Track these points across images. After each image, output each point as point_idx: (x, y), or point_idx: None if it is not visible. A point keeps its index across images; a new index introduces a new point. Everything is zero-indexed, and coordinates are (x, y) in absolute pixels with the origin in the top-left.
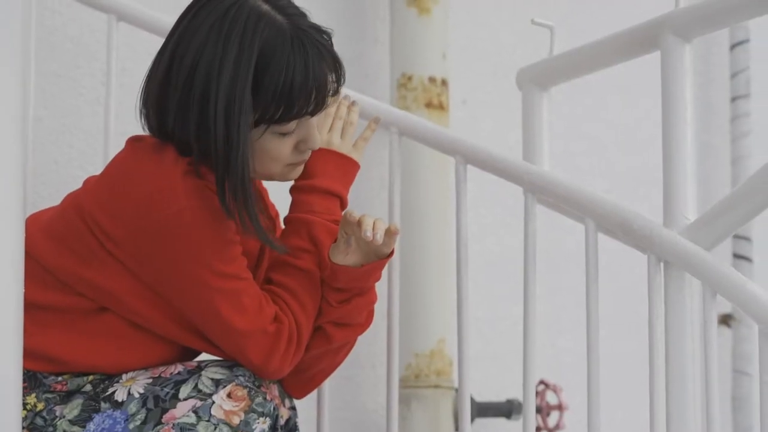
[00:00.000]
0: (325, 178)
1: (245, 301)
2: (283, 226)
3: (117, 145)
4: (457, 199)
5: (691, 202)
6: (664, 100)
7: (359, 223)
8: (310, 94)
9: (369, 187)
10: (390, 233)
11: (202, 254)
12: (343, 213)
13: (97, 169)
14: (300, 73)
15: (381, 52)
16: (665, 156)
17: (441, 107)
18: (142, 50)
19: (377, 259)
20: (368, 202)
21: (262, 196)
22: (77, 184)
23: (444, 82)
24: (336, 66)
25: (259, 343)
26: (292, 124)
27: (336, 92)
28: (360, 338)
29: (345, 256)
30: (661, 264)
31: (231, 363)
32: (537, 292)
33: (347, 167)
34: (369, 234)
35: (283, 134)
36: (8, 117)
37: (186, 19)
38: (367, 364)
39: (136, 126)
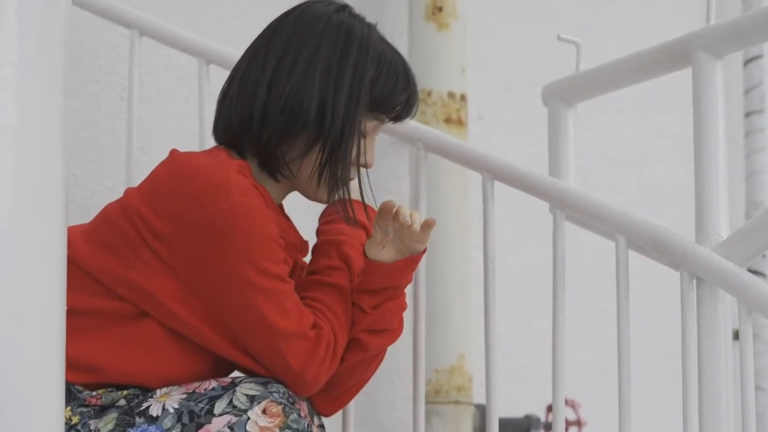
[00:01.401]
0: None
1: (288, 304)
2: (310, 256)
3: (137, 160)
4: (485, 215)
5: (723, 219)
6: (696, 117)
7: (397, 213)
8: (408, 97)
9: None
10: (427, 225)
11: (251, 251)
12: (381, 203)
13: (116, 184)
14: (403, 77)
15: None
16: (697, 173)
17: (460, 122)
18: (160, 65)
19: (410, 255)
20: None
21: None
22: (96, 199)
23: (463, 98)
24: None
25: (300, 348)
26: (375, 124)
27: (413, 114)
28: None
29: (380, 250)
30: (694, 281)
31: (265, 379)
32: (565, 309)
33: (372, 211)
34: (408, 219)
35: (364, 135)
36: (54, 127)
37: (288, 21)
38: (385, 380)
39: (156, 140)
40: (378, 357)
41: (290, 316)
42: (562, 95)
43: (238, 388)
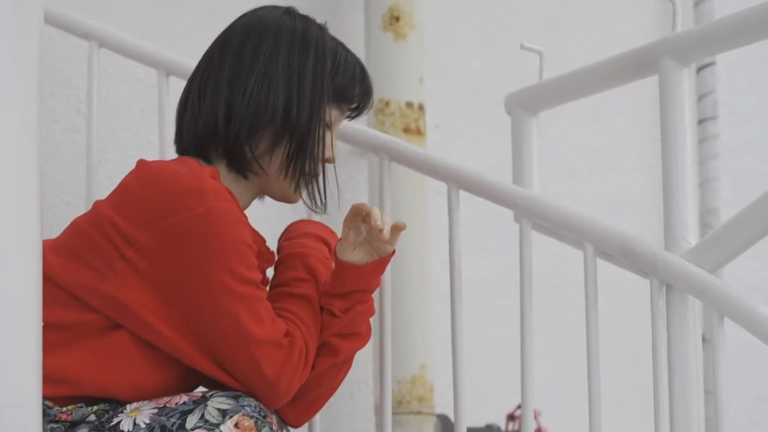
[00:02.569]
0: (312, 226)
1: (262, 312)
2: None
3: (95, 173)
4: (450, 224)
5: (692, 226)
6: (663, 125)
7: (368, 215)
8: (366, 87)
9: (343, 211)
10: (396, 228)
11: (227, 256)
12: (351, 205)
13: (74, 198)
14: (359, 68)
15: None
16: (665, 180)
17: (418, 132)
18: (116, 77)
19: (379, 257)
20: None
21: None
22: (54, 213)
23: (421, 107)
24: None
25: (274, 356)
26: (337, 114)
27: (371, 105)
28: None
29: (352, 251)
30: (663, 288)
31: (236, 393)
32: (533, 318)
33: (331, 232)
34: (379, 222)
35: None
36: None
37: (237, 26)
38: (345, 392)
39: (112, 153)
40: (347, 363)
41: (264, 323)
42: (526, 104)
43: (209, 402)
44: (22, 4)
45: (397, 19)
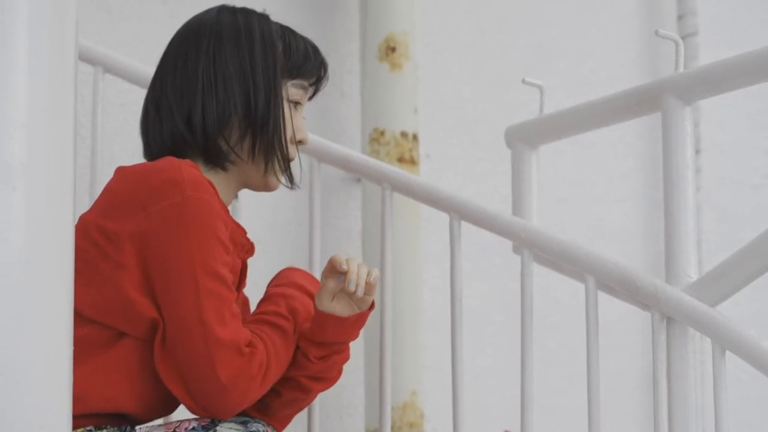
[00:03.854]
0: (300, 277)
1: (227, 314)
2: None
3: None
4: (452, 255)
5: (693, 261)
6: (666, 161)
7: (345, 272)
8: (321, 61)
9: (336, 238)
10: (369, 287)
11: (199, 248)
12: (330, 257)
13: (74, 219)
14: (310, 44)
15: (348, 105)
16: (667, 215)
17: (412, 161)
18: (116, 101)
19: (359, 310)
20: (335, 251)
21: (245, 273)
22: None
23: (415, 137)
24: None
25: (231, 360)
26: (299, 92)
27: (327, 78)
28: (328, 390)
29: (331, 301)
30: (664, 321)
31: (245, 419)
32: (533, 348)
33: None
34: (352, 287)
35: (294, 103)
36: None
37: (180, 33)
38: (334, 416)
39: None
40: (312, 399)
41: (227, 325)
42: (526, 137)
43: (218, 428)
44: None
45: (393, 49)
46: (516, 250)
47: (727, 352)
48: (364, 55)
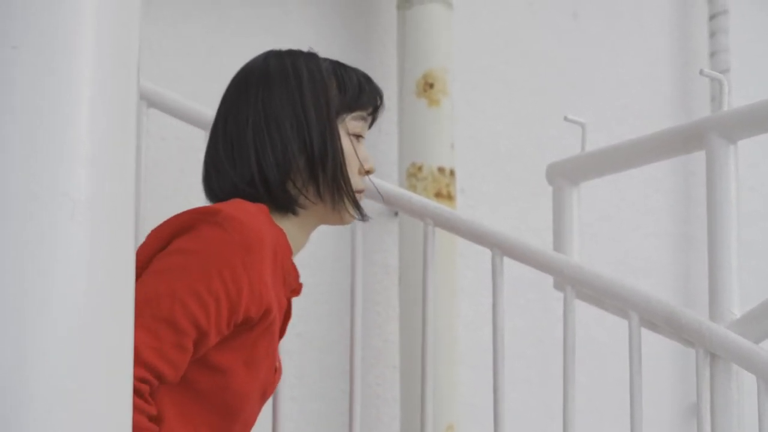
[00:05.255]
0: None
1: (173, 355)
2: None
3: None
4: (494, 291)
5: (736, 299)
6: (710, 199)
7: None
8: (375, 89)
9: (372, 273)
10: None
11: (202, 267)
12: None
13: None
14: (362, 74)
15: (386, 141)
16: (711, 253)
17: (449, 197)
18: (156, 134)
19: None
20: (371, 288)
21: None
22: None
23: (452, 172)
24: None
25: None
26: (360, 124)
27: (383, 105)
28: (367, 417)
29: None
30: (708, 357)
31: None
32: (576, 384)
33: None
34: None
35: (356, 136)
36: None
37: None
38: None
39: (152, 210)
40: None
41: (165, 364)
42: (568, 174)
43: None
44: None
45: (431, 85)
46: (558, 286)
47: None
48: (402, 90)
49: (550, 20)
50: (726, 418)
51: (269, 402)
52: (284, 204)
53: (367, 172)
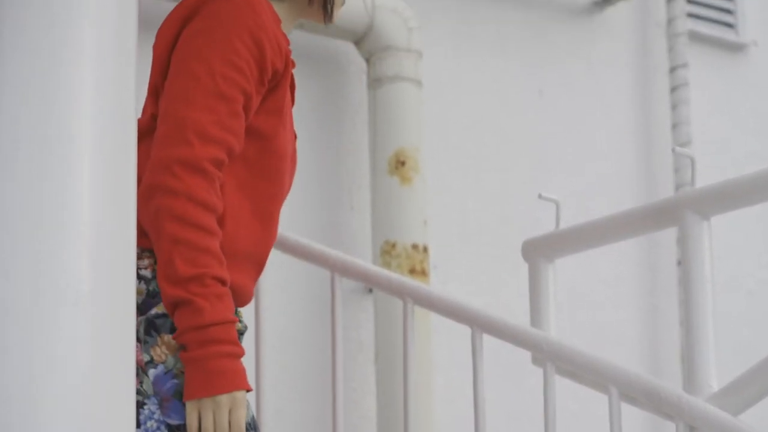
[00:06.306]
0: None
1: (230, 123)
2: None
3: None
4: (474, 368)
5: (713, 372)
6: (685, 275)
7: None
8: None
9: (348, 350)
10: None
11: (224, 38)
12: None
13: None
14: None
15: (359, 218)
16: (688, 327)
17: (423, 273)
18: None
19: None
20: (346, 364)
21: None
22: None
23: (425, 249)
24: None
25: (187, 171)
26: None
27: None
28: None
29: None
30: (688, 430)
31: None
32: None
33: None
34: None
35: None
36: (127, 294)
37: None
38: None
39: None
40: None
41: (200, 141)
42: (543, 251)
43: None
44: None
45: (403, 163)
46: (536, 361)
47: None
48: (374, 169)
49: (517, 97)
50: None
51: None
52: None
53: None
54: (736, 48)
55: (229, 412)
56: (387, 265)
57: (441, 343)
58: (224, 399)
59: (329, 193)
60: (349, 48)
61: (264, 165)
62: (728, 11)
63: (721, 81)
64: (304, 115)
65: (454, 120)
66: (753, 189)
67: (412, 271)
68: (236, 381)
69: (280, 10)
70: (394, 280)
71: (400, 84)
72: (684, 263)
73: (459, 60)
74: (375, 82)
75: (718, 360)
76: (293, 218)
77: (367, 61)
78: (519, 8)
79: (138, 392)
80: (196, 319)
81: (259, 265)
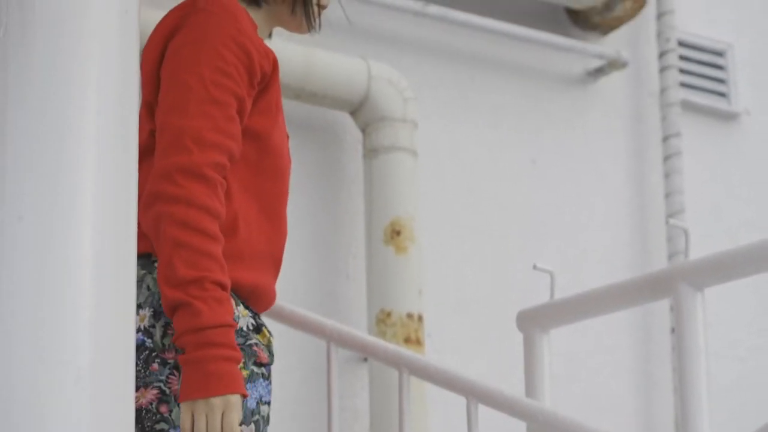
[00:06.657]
0: None
1: (208, 136)
2: None
3: None
4: None
5: None
6: (678, 345)
7: None
8: None
9: (342, 418)
10: None
11: (210, 48)
12: None
13: None
14: None
15: (354, 288)
16: (683, 402)
17: (418, 342)
18: None
19: None
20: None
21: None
22: None
23: (420, 318)
24: None
25: (189, 179)
26: None
27: None
28: None
29: None
30: None
31: None
32: None
33: None
34: None
35: None
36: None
37: None
38: None
39: None
40: None
41: (199, 147)
42: (538, 321)
43: None
44: None
45: (398, 233)
46: None
47: None
48: (370, 238)
49: (510, 167)
50: None
51: None
52: None
53: None
54: (729, 117)
55: (222, 414)
56: (382, 333)
57: (436, 413)
58: (217, 402)
59: (325, 262)
60: (345, 118)
61: (264, 165)
62: (721, 81)
63: (714, 149)
64: (300, 184)
65: (449, 189)
66: (746, 261)
67: (407, 340)
68: (231, 384)
69: (256, 16)
70: (390, 350)
71: (395, 154)
72: (678, 334)
73: (454, 130)
74: (371, 152)
75: (712, 427)
76: (289, 286)
77: (363, 131)
78: (514, 79)
79: (165, 420)
80: (194, 322)
81: (276, 264)
